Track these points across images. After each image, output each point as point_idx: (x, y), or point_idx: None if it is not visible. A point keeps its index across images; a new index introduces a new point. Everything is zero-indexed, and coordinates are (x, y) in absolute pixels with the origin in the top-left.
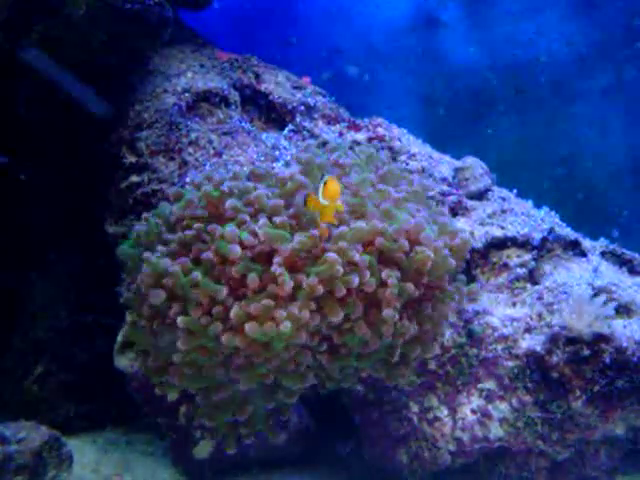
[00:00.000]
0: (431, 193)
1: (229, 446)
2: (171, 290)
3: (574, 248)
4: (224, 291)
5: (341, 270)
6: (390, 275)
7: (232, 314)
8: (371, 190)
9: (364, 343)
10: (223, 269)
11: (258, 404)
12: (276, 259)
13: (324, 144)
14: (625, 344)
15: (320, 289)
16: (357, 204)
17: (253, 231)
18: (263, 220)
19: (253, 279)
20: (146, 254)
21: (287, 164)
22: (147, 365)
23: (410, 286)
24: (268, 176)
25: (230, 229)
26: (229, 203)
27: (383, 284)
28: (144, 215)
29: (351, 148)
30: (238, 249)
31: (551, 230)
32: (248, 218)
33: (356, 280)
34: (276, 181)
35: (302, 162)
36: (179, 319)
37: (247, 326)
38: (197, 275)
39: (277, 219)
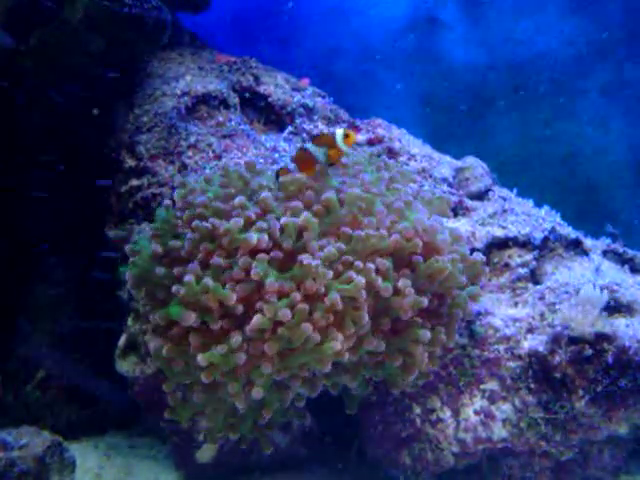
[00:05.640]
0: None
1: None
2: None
3: (576, 247)
4: (234, 297)
5: (364, 295)
6: (406, 285)
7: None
8: (384, 189)
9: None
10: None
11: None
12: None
13: None
14: (628, 343)
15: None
16: (366, 200)
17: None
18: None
19: (271, 284)
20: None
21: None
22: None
23: (423, 300)
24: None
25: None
26: (237, 200)
27: (396, 291)
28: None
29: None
30: (254, 237)
31: (552, 229)
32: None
33: (366, 318)
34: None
35: None
36: (199, 357)
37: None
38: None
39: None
